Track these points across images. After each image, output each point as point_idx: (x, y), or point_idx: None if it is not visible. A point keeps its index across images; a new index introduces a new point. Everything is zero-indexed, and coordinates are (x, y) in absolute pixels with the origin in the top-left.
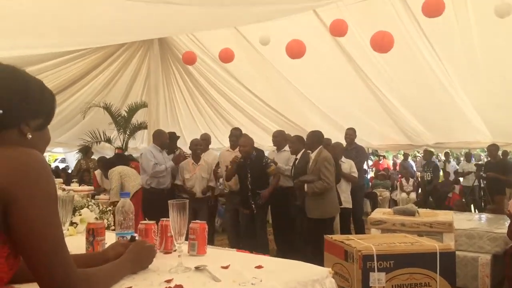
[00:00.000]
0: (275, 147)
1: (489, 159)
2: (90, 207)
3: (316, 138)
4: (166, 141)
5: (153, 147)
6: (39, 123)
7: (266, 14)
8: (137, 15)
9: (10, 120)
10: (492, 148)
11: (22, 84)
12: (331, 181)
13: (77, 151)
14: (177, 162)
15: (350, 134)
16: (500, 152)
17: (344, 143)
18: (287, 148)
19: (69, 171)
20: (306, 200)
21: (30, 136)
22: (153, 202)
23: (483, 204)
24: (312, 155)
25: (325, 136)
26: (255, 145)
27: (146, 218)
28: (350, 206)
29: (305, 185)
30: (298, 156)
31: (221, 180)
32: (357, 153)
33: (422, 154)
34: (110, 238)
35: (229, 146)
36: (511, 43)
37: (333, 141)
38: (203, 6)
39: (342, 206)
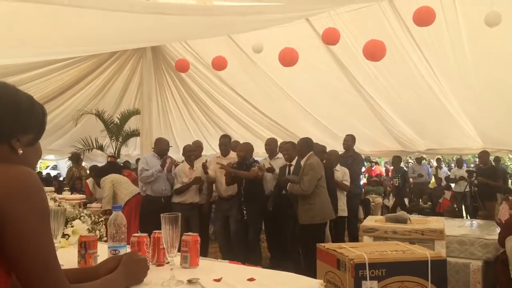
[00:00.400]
0: (267, 155)
1: (480, 165)
2: (82, 218)
3: (306, 145)
4: (165, 147)
5: (151, 155)
6: (30, 138)
7: (259, 23)
8: (130, 25)
9: (1, 136)
10: (483, 155)
11: (12, 100)
12: (306, 187)
13: (68, 158)
14: (163, 165)
15: (348, 140)
16: (492, 158)
17: (340, 150)
18: (280, 155)
19: (61, 178)
20: (298, 207)
21: (21, 151)
22: (149, 210)
23: (474, 210)
24: (302, 162)
25: (318, 143)
26: None
27: (138, 230)
28: (346, 214)
29: (288, 184)
30: (293, 162)
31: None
32: (354, 161)
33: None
34: (102, 250)
35: (220, 154)
36: (501, 52)
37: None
38: (197, 16)
39: (338, 215)
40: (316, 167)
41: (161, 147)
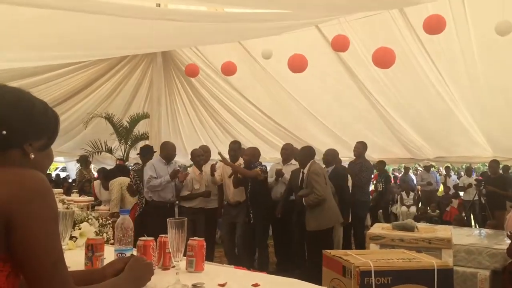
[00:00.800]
0: (280, 160)
1: (489, 174)
2: (89, 220)
3: (307, 153)
4: (172, 152)
5: (158, 160)
6: (42, 143)
7: (269, 30)
8: (141, 30)
9: (14, 141)
10: (493, 164)
11: (26, 105)
12: (321, 192)
13: (76, 160)
14: (173, 177)
15: (358, 148)
16: (501, 167)
17: (349, 157)
18: (293, 161)
19: (70, 180)
20: (306, 214)
21: (33, 156)
22: (154, 216)
23: (483, 219)
24: (305, 170)
25: (324, 149)
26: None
27: (145, 234)
28: (349, 220)
29: (303, 199)
30: (305, 170)
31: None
32: (361, 168)
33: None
34: (109, 252)
35: (229, 159)
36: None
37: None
38: (207, 23)
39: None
40: (320, 172)
41: (168, 152)
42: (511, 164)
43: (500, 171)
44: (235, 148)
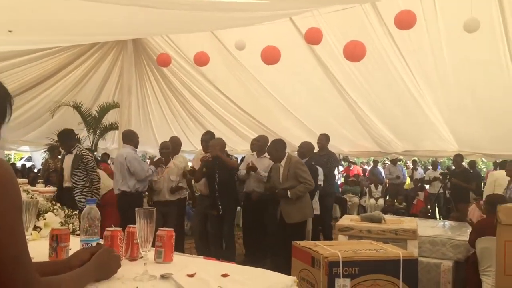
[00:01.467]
0: (254, 152)
1: (454, 168)
2: (55, 211)
3: (282, 146)
4: (138, 140)
5: (133, 150)
6: None
7: (243, 20)
8: (112, 16)
9: None
10: (457, 158)
11: None
12: (310, 181)
13: (45, 150)
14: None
15: (321, 139)
16: (467, 162)
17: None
18: (267, 155)
19: (35, 170)
20: (282, 207)
21: None
22: (124, 205)
23: (447, 211)
24: (283, 163)
25: (295, 142)
26: (228, 149)
27: (113, 225)
28: (318, 212)
29: (288, 192)
30: (283, 163)
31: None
32: (328, 159)
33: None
34: (75, 243)
35: (202, 150)
36: (479, 57)
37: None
38: (180, 10)
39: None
40: (302, 161)
41: (137, 140)
42: (474, 158)
43: (465, 165)
44: (207, 139)
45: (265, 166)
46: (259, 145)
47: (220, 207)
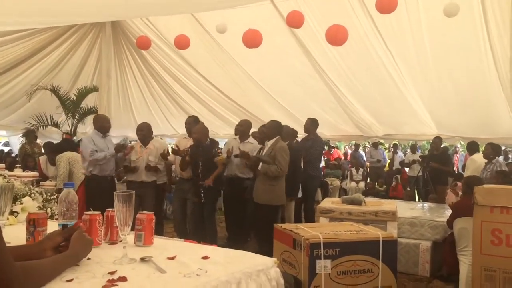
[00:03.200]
0: (236, 136)
1: (433, 151)
2: (32, 195)
3: (276, 128)
4: (106, 125)
5: (95, 133)
6: None
7: (224, 2)
8: None
9: None
10: (437, 141)
11: None
12: (284, 168)
13: (21, 135)
14: (118, 151)
15: (307, 124)
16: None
17: (301, 134)
18: (251, 140)
19: (13, 155)
20: (255, 185)
21: None
22: (96, 190)
23: (426, 193)
24: (269, 143)
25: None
26: (210, 133)
27: (91, 208)
28: (300, 195)
29: (260, 164)
30: (269, 143)
31: (173, 167)
32: (313, 144)
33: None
34: (52, 227)
35: (186, 134)
36: (458, 42)
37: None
38: None
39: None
40: (287, 151)
41: (102, 124)
42: (453, 142)
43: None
44: (191, 121)
45: (250, 150)
46: (241, 130)
47: (202, 195)
